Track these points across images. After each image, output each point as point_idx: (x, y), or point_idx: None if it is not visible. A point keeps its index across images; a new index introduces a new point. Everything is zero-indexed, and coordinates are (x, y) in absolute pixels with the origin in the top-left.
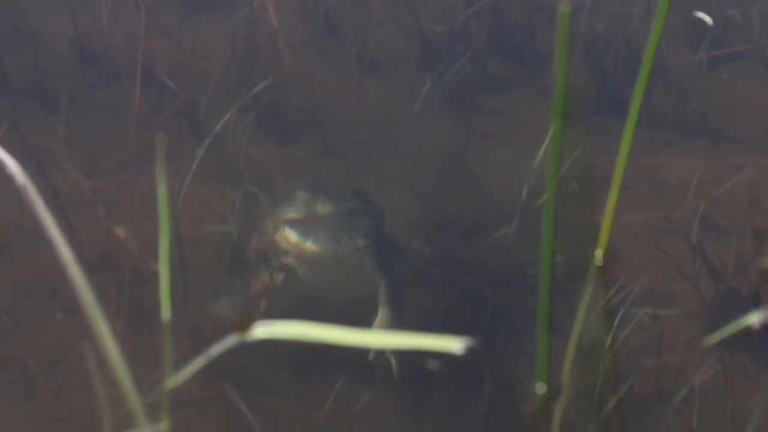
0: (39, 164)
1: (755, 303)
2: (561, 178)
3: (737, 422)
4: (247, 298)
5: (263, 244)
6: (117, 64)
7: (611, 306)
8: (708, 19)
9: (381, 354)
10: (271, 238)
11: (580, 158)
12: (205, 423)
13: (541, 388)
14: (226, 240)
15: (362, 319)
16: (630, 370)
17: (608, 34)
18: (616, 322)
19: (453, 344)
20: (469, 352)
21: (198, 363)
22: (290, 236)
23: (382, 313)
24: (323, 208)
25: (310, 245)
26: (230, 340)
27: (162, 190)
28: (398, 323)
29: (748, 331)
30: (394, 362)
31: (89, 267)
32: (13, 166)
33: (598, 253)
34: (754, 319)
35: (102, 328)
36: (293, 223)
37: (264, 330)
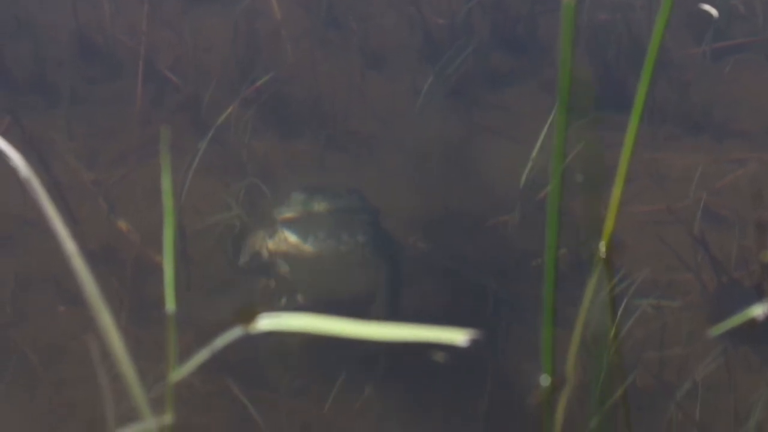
0: (41, 156)
1: (758, 295)
2: (564, 170)
3: (740, 415)
4: (250, 293)
5: (259, 252)
6: (119, 57)
7: (615, 297)
8: (713, 11)
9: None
10: (268, 244)
11: (583, 150)
12: (207, 417)
13: (545, 380)
14: (229, 232)
15: (366, 316)
16: (633, 363)
17: (610, 25)
18: (619, 314)
19: (457, 336)
20: (473, 344)
21: (202, 356)
22: (289, 238)
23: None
24: (320, 206)
25: (310, 245)
26: (234, 333)
27: (166, 183)
28: (401, 316)
29: (751, 323)
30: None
31: (91, 259)
32: (16, 158)
33: (602, 245)
34: (757, 310)
35: (106, 320)
36: (291, 224)
37: (268, 322)
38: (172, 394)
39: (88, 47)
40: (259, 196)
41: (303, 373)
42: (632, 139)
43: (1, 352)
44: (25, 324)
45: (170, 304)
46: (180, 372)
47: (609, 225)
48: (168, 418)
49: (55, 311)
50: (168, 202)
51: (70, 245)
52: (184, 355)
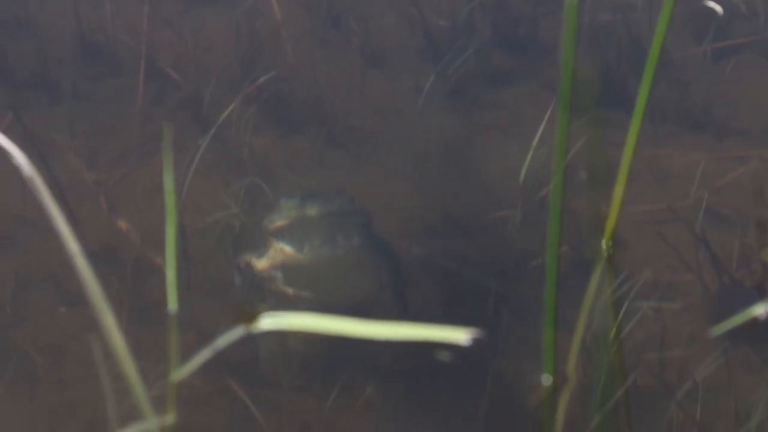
0: (42, 155)
1: (760, 294)
2: (567, 168)
3: (741, 416)
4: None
5: (252, 270)
6: (120, 55)
7: (616, 298)
8: (718, 8)
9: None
10: (261, 262)
11: (584, 148)
12: (209, 416)
13: (547, 379)
14: (229, 231)
15: (371, 317)
16: (634, 363)
17: (611, 25)
18: (620, 314)
19: (459, 335)
20: (474, 344)
21: (204, 355)
22: (285, 249)
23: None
24: (312, 210)
25: (306, 253)
26: (236, 333)
27: (168, 181)
28: (404, 315)
29: (752, 322)
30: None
31: (92, 258)
32: (19, 157)
33: (605, 244)
34: (759, 310)
35: (108, 320)
36: (284, 233)
37: (270, 322)
38: (173, 394)
39: (89, 46)
40: (259, 195)
41: (304, 373)
42: (635, 138)
43: (1, 352)
44: (25, 324)
45: (172, 304)
46: (181, 372)
47: (611, 224)
48: (170, 418)
49: (56, 311)
50: (170, 201)
51: (72, 245)
52: (185, 354)
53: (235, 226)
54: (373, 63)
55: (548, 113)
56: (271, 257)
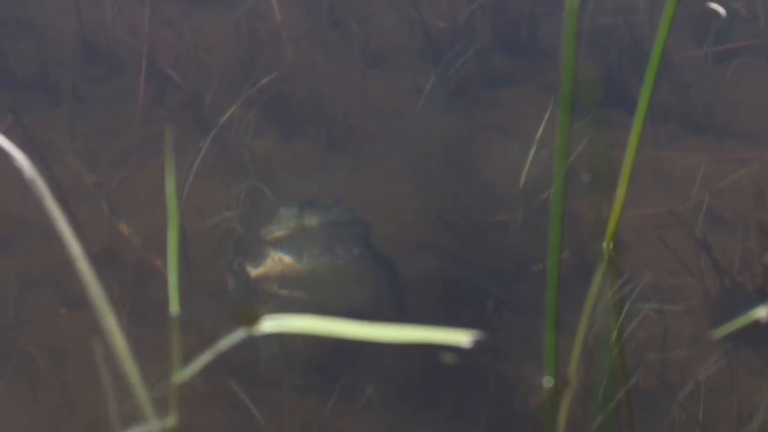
0: (42, 157)
1: (761, 297)
2: (568, 170)
3: (743, 417)
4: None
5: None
6: (120, 57)
7: (618, 300)
8: (721, 10)
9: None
10: (258, 270)
11: (586, 151)
12: (209, 417)
13: (548, 381)
14: (229, 234)
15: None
16: (635, 365)
17: (613, 28)
18: (622, 317)
19: (460, 338)
20: (476, 346)
21: (206, 357)
22: (283, 259)
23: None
24: (311, 220)
25: (305, 263)
26: (237, 335)
27: (170, 184)
28: (404, 320)
29: (754, 325)
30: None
31: (93, 260)
32: (21, 159)
33: (606, 246)
34: (761, 312)
35: (110, 322)
36: (283, 243)
37: (271, 324)
38: (175, 396)
39: (89, 47)
40: (260, 197)
41: (305, 375)
42: (636, 140)
43: (1, 352)
44: (26, 325)
45: (174, 307)
46: (184, 374)
47: (612, 225)
48: (171, 420)
49: (57, 313)
50: (172, 204)
51: (74, 247)
52: (187, 356)
53: (236, 228)
54: (373, 64)
55: (548, 115)
56: (269, 266)
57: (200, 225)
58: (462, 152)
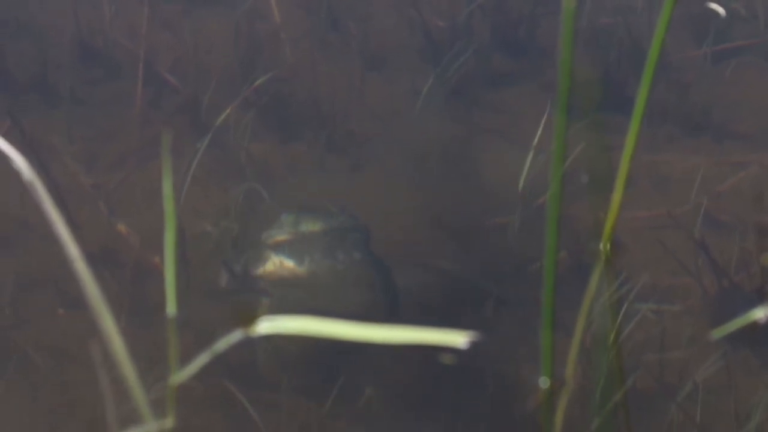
0: (40, 159)
1: (759, 298)
2: (566, 172)
3: (741, 418)
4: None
5: (244, 274)
6: (118, 59)
7: (615, 301)
8: (721, 10)
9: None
10: (257, 270)
11: (584, 152)
12: (207, 418)
13: (544, 382)
14: (227, 235)
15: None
16: (633, 366)
17: (611, 28)
18: (620, 318)
19: (457, 339)
20: (474, 348)
21: (203, 359)
22: (284, 262)
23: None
24: (313, 226)
25: (306, 267)
26: (235, 336)
27: (167, 187)
28: (400, 319)
29: (752, 326)
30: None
31: (91, 262)
32: (20, 161)
33: (603, 247)
34: (759, 314)
35: (108, 323)
36: (283, 247)
37: (268, 325)
38: (172, 397)
39: (87, 49)
40: (258, 200)
41: (303, 375)
42: (633, 142)
43: (1, 352)
44: (24, 326)
45: (171, 308)
46: (181, 375)
47: (609, 226)
48: (169, 421)
49: (55, 314)
50: (169, 206)
51: (72, 249)
52: (185, 357)
53: (233, 231)
54: (372, 64)
55: (546, 117)
56: (270, 270)
57: (198, 227)
58: (461, 153)
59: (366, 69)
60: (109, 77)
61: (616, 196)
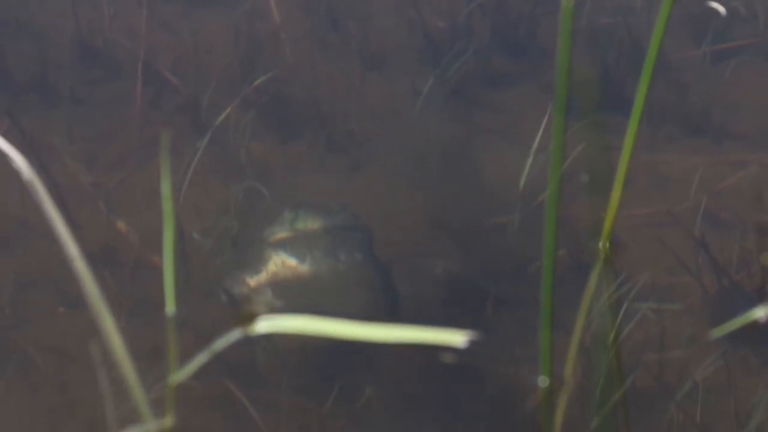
0: (40, 158)
1: (760, 297)
2: (566, 172)
3: (741, 417)
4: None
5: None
6: (118, 59)
7: (615, 300)
8: (721, 9)
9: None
10: (256, 278)
11: (584, 152)
12: (207, 417)
13: (543, 381)
14: (227, 234)
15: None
16: (633, 365)
17: (611, 28)
18: (620, 317)
19: (455, 338)
20: (475, 347)
21: (202, 358)
22: (286, 261)
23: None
24: (314, 223)
25: (307, 265)
26: (234, 335)
27: (166, 187)
28: (400, 319)
29: (752, 326)
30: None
31: (91, 261)
32: (19, 160)
33: (602, 246)
34: (759, 313)
35: (107, 322)
36: (285, 244)
37: (267, 324)
38: (172, 397)
39: (87, 49)
40: (258, 199)
41: (302, 375)
42: (632, 140)
43: (1, 352)
44: (24, 326)
45: (170, 307)
46: (180, 374)
47: (608, 224)
48: (168, 421)
49: (55, 313)
50: (168, 206)
51: (72, 248)
52: (184, 356)
53: (233, 227)
54: (372, 65)
55: (547, 117)
56: (271, 269)
57: (198, 225)
58: (461, 153)
59: (366, 69)
60: (109, 77)
61: (615, 195)
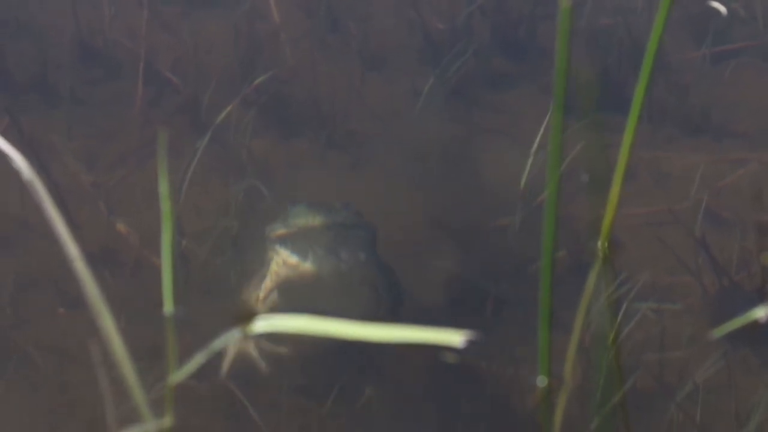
0: (40, 158)
1: (760, 297)
2: (566, 172)
3: (741, 418)
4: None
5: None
6: (118, 58)
7: (615, 299)
8: (722, 9)
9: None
10: (265, 283)
11: (583, 152)
12: (206, 417)
13: (542, 381)
14: (228, 234)
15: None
16: (633, 365)
17: (611, 28)
18: (620, 316)
19: (454, 338)
20: (476, 347)
21: (200, 358)
22: (288, 259)
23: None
24: (316, 220)
25: (309, 263)
26: (232, 335)
27: (164, 187)
28: (401, 318)
29: (752, 326)
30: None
31: (91, 261)
32: (19, 160)
33: (601, 245)
34: (760, 313)
35: (107, 322)
36: (287, 240)
37: (265, 324)
38: (171, 396)
39: (87, 49)
40: (258, 198)
41: (302, 375)
42: (630, 139)
43: (1, 352)
44: (24, 326)
45: (168, 306)
46: (179, 374)
47: (607, 224)
48: (167, 421)
49: (55, 314)
50: (165, 206)
51: (72, 248)
52: (184, 356)
53: (233, 226)
54: (372, 65)
55: (548, 117)
56: (273, 271)
57: (199, 225)
58: (461, 153)
59: (366, 69)
60: (109, 77)
61: (613, 195)
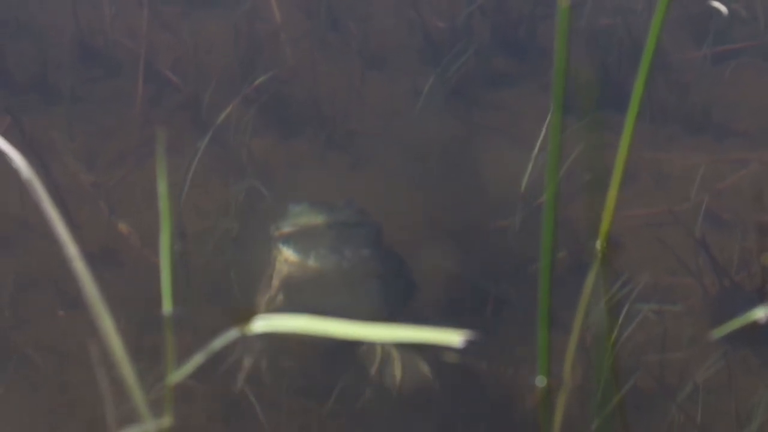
0: (40, 157)
1: (760, 298)
2: (566, 172)
3: (741, 418)
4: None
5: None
6: (119, 58)
7: (615, 300)
8: (723, 8)
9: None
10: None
11: (584, 152)
12: (205, 417)
13: (541, 381)
14: (228, 234)
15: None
16: (634, 366)
17: (611, 28)
18: (621, 317)
19: (453, 338)
20: (476, 347)
21: (199, 358)
22: (290, 257)
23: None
24: (319, 218)
25: (312, 262)
26: (231, 335)
27: (162, 187)
28: (401, 318)
29: (752, 326)
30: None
31: (90, 261)
32: (18, 160)
33: (599, 245)
34: (760, 313)
35: (107, 323)
36: (290, 239)
37: (265, 324)
38: (171, 396)
39: (87, 49)
40: (258, 198)
41: (303, 375)
42: (628, 139)
43: (1, 352)
44: (24, 326)
45: (167, 306)
46: (178, 374)
47: (606, 224)
48: (166, 421)
49: (54, 313)
50: (164, 206)
51: (71, 248)
52: (183, 356)
53: (234, 227)
54: (372, 65)
55: (549, 118)
56: (276, 270)
57: (199, 224)
58: (461, 153)
59: (366, 69)
60: (109, 76)
61: (611, 195)
